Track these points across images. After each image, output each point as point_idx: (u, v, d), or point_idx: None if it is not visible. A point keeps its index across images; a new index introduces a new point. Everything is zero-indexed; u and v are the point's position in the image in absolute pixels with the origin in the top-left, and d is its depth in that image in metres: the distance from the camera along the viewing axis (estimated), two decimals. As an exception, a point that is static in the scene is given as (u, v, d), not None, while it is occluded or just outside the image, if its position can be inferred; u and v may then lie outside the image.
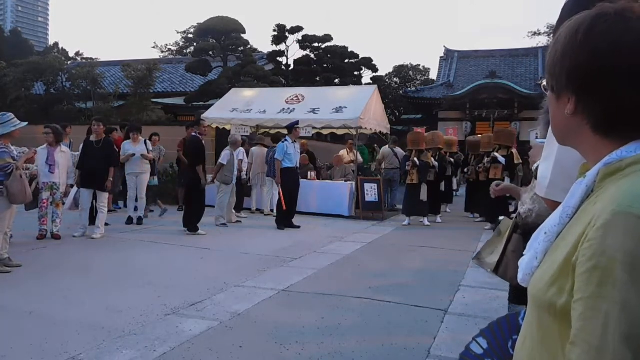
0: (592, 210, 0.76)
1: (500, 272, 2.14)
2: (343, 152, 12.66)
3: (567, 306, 0.73)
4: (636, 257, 0.67)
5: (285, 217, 9.12)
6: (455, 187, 12.24)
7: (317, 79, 25.83)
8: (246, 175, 10.40)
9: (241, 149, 10.16)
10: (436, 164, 10.37)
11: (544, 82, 0.92)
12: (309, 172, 11.37)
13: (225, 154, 9.20)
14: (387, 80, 36.40)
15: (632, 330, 0.65)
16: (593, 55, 0.80)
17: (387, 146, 12.78)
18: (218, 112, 12.40)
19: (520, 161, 9.74)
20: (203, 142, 8.59)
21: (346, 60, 27.56)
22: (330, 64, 26.62)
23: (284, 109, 11.82)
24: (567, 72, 0.83)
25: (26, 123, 5.93)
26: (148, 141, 9.58)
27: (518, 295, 2.87)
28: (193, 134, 8.61)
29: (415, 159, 9.87)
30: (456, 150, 13.40)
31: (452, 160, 12.26)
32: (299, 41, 26.57)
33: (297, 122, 9.67)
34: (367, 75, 29.25)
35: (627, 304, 0.66)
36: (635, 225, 0.68)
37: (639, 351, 0.65)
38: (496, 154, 9.72)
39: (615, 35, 0.78)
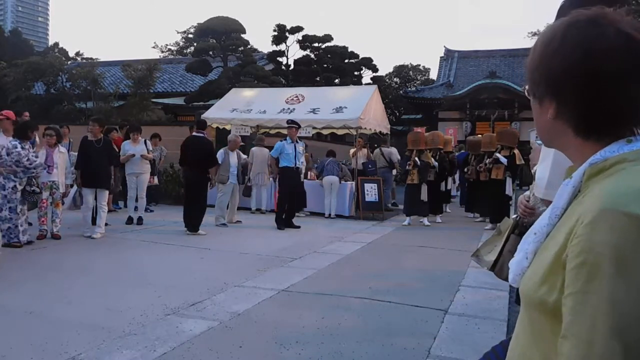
0: (579, 209, 0.78)
1: (497, 271, 2.16)
2: (352, 150, 12.61)
3: (558, 303, 0.75)
4: (622, 252, 0.69)
5: (285, 217, 9.12)
6: (449, 186, 12.14)
7: (317, 79, 25.82)
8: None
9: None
10: (436, 164, 10.37)
11: (527, 88, 0.94)
12: (309, 172, 11.37)
13: (219, 153, 9.22)
14: (387, 80, 36.37)
15: (620, 324, 0.67)
16: (567, 62, 0.82)
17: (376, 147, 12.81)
18: (218, 112, 12.41)
19: (522, 162, 9.73)
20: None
21: (346, 60, 27.55)
22: (330, 64, 26.61)
23: (284, 109, 11.82)
24: (545, 79, 0.86)
25: None
26: (148, 141, 9.58)
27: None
28: (196, 134, 8.52)
29: (416, 158, 9.87)
30: (451, 150, 13.35)
31: (448, 159, 12.22)
32: (299, 41, 26.56)
33: (291, 121, 9.50)
34: (367, 75, 29.29)
35: (614, 297, 0.68)
36: (621, 221, 0.71)
37: (628, 344, 0.67)
38: (498, 154, 9.71)
39: (587, 41, 0.81)
